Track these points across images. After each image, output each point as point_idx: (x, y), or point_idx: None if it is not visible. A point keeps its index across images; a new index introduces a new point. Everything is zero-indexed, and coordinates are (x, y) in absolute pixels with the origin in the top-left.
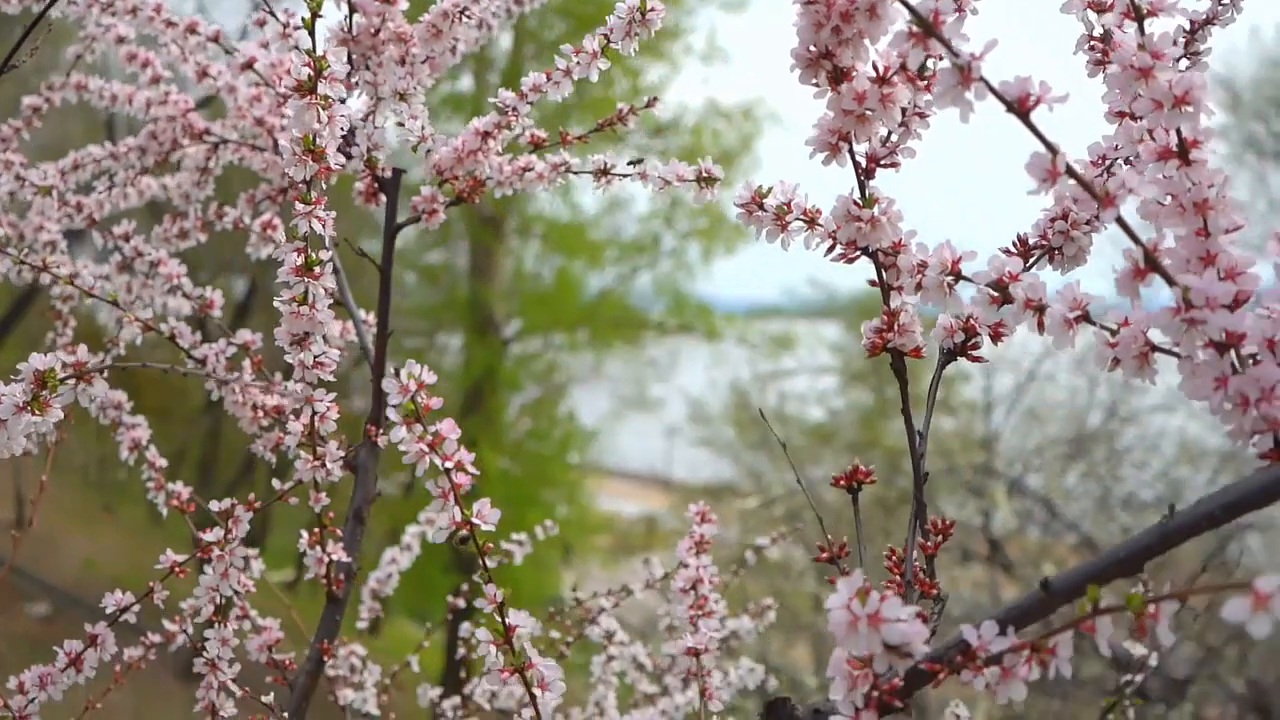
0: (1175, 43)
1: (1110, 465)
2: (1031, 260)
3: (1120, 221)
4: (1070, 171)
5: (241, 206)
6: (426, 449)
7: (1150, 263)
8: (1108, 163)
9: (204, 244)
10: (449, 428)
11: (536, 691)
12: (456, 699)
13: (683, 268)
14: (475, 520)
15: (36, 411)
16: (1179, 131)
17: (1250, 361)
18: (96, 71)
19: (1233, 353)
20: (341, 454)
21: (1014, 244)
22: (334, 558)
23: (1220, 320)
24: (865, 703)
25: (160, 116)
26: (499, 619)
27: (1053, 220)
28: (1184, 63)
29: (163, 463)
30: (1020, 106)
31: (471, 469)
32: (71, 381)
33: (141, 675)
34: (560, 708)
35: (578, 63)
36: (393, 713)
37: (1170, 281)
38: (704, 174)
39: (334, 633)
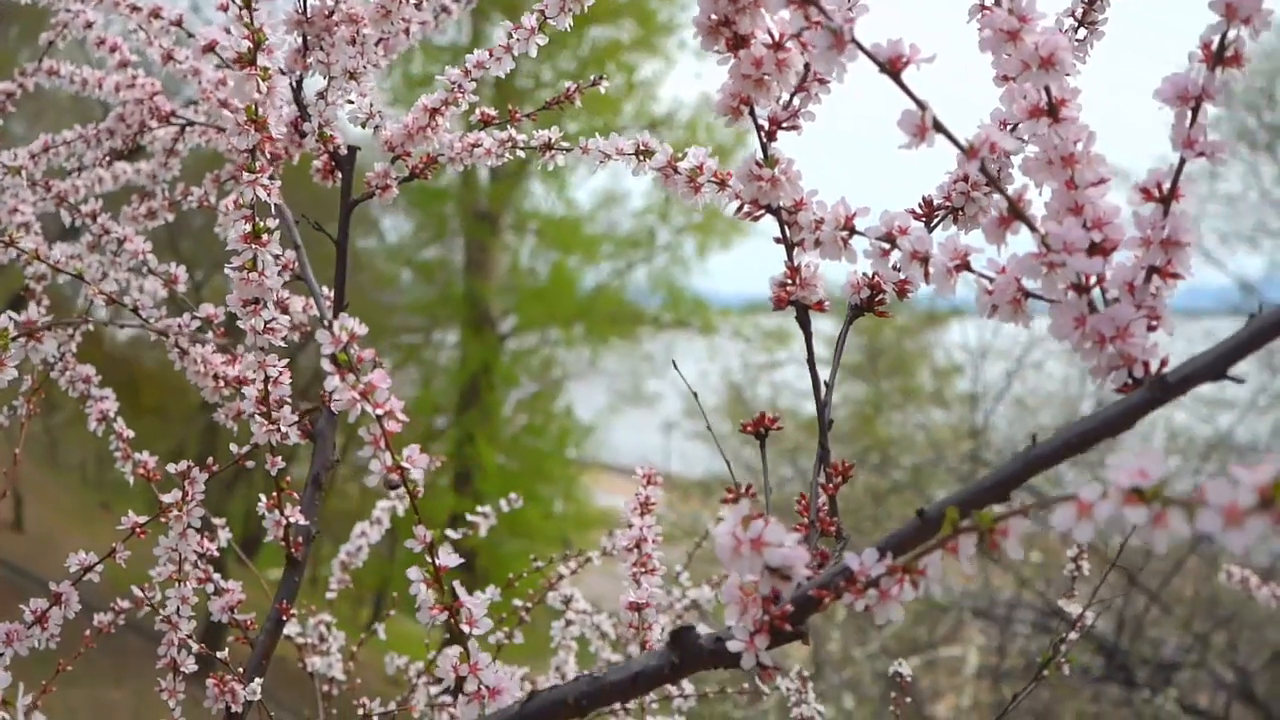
0: (1072, 13)
1: (1098, 453)
2: (936, 220)
3: (987, 175)
4: (938, 126)
5: (207, 185)
6: (359, 397)
7: (1014, 212)
8: (1009, 127)
9: (198, 243)
10: (380, 378)
11: (465, 628)
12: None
13: (678, 262)
14: (405, 465)
15: None
16: (1048, 90)
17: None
18: (84, 61)
19: (1098, 294)
20: (295, 418)
21: (919, 204)
22: (292, 521)
23: (1078, 264)
24: (757, 627)
25: (128, 100)
26: (429, 559)
27: (955, 182)
28: (1082, 31)
29: (130, 434)
30: (892, 67)
31: (401, 416)
32: (22, 340)
33: (141, 674)
34: (526, 676)
35: (518, 39)
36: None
37: (1033, 228)
38: (641, 147)
39: (293, 594)
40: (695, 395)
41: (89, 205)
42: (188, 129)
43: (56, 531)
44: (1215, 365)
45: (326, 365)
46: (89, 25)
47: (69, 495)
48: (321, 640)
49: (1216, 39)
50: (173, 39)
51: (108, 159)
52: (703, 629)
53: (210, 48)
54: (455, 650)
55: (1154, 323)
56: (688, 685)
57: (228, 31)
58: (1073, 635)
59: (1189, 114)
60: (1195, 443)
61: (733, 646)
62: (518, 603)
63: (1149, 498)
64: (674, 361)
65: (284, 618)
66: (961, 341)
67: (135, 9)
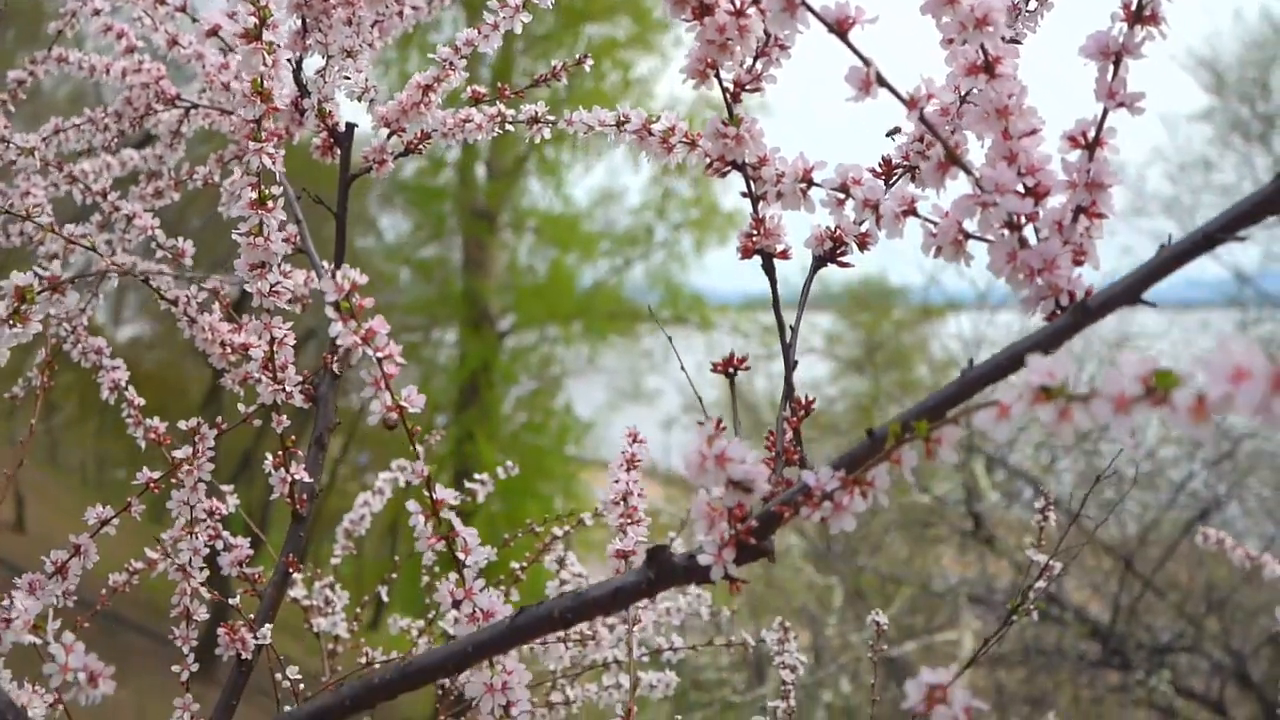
0: None
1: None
2: (895, 177)
3: (925, 123)
4: (880, 80)
5: (211, 165)
6: (360, 341)
7: (951, 158)
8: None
9: (198, 243)
10: (379, 324)
11: (460, 555)
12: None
13: (676, 259)
14: (404, 404)
15: (17, 322)
16: (984, 49)
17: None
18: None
19: (1031, 232)
20: (299, 379)
21: (879, 163)
22: (296, 478)
23: (1009, 203)
24: (725, 542)
25: (135, 84)
26: (427, 493)
27: (913, 141)
28: (1033, 3)
29: (141, 401)
30: (840, 27)
31: (400, 359)
32: (47, 293)
33: (145, 673)
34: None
35: (504, 17)
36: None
37: (968, 172)
38: (621, 119)
39: (299, 548)
40: (696, 392)
41: (99, 184)
42: (192, 112)
43: (57, 532)
44: (1129, 291)
45: (330, 313)
46: (96, 12)
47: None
48: (327, 603)
49: (1135, 0)
50: (176, 24)
51: (115, 144)
52: (677, 547)
53: (214, 32)
54: (454, 577)
55: (1080, 258)
56: (677, 639)
57: (230, 16)
58: (1040, 584)
59: (1110, 68)
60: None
61: (702, 560)
62: (515, 564)
63: (1054, 395)
64: (676, 353)
65: (290, 570)
66: (957, 332)
67: None
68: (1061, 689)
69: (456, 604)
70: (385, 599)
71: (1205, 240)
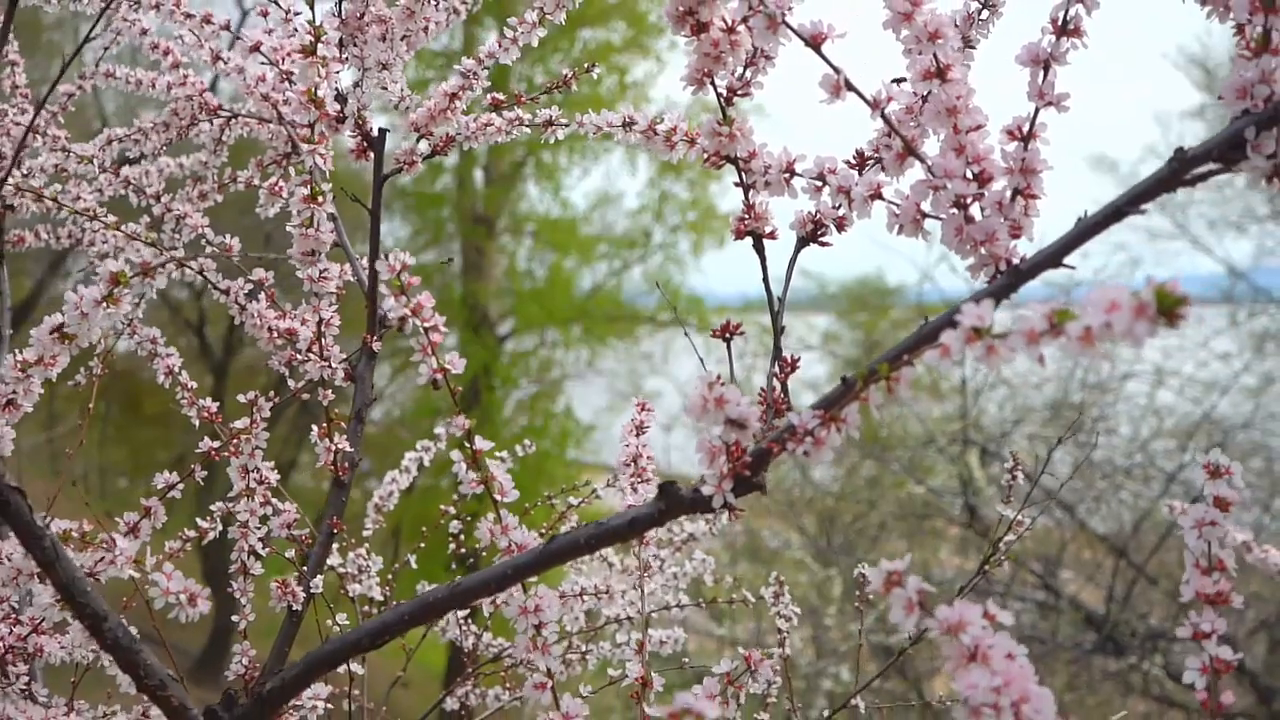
0: None
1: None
2: (867, 167)
3: (886, 120)
4: (848, 85)
5: (251, 169)
6: (410, 313)
7: (908, 149)
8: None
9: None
10: (427, 299)
11: (497, 496)
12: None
13: (674, 261)
14: (448, 366)
15: (111, 304)
16: (936, 57)
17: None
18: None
19: (977, 210)
20: (343, 357)
21: (853, 156)
22: (340, 448)
23: (956, 186)
24: (724, 474)
25: (180, 96)
26: (468, 444)
27: (880, 137)
28: (985, 12)
29: (193, 385)
30: (814, 41)
31: (443, 329)
32: (139, 278)
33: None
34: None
35: (521, 32)
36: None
37: (922, 161)
38: (627, 120)
39: (341, 510)
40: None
41: (153, 188)
42: (233, 121)
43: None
44: (1053, 257)
45: (384, 289)
46: (144, 32)
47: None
48: (360, 571)
49: (1061, 15)
50: (220, 42)
51: (162, 152)
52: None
53: (257, 48)
54: (491, 516)
55: (1017, 232)
56: (684, 596)
57: (268, 33)
58: (1010, 537)
59: (1041, 72)
60: (1183, 422)
61: (705, 490)
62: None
63: (983, 334)
64: (697, 347)
65: (334, 530)
66: None
67: (189, 16)
68: (1057, 676)
69: (494, 539)
70: (414, 566)
71: (1115, 213)
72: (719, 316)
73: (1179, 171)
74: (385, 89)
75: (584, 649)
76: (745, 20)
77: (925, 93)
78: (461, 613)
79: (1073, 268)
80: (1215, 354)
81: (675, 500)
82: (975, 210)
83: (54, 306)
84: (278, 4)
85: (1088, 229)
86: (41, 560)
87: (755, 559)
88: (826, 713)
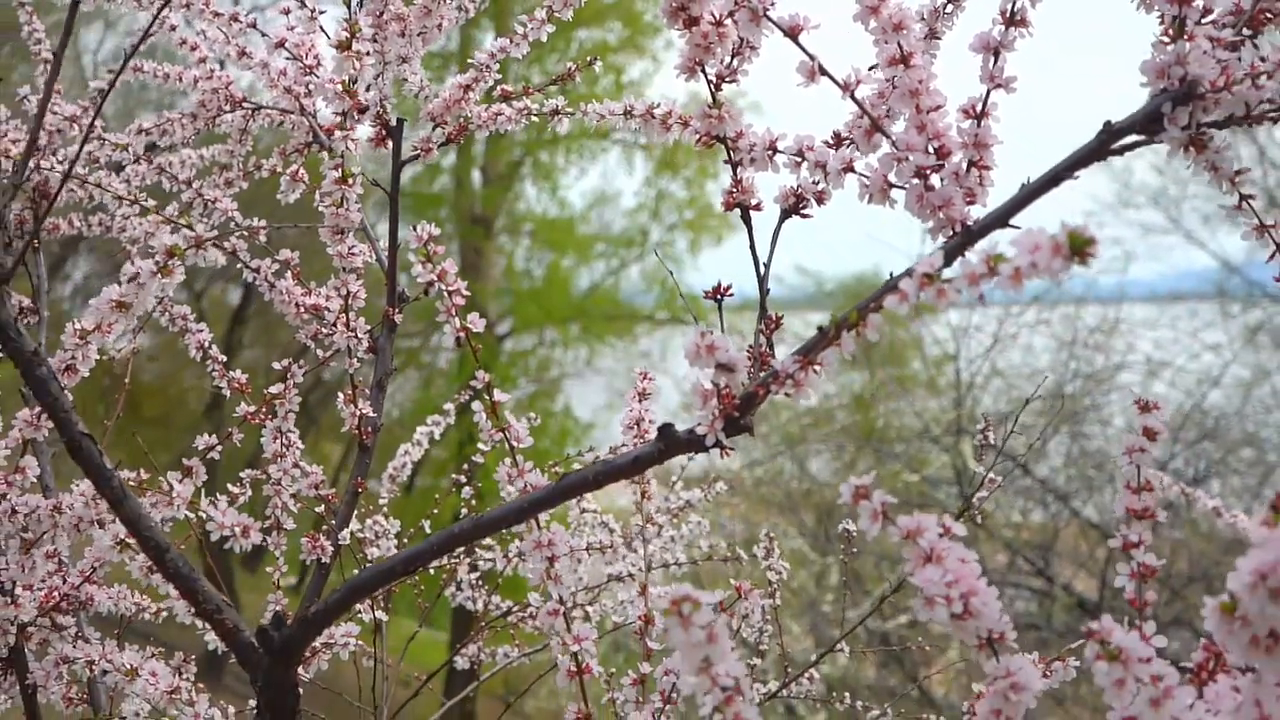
0: None
1: (1076, 423)
2: (843, 146)
3: (855, 101)
4: (822, 70)
5: (275, 157)
6: (436, 279)
7: (875, 126)
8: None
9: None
10: (450, 265)
11: (514, 442)
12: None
13: (672, 259)
14: (470, 326)
15: (165, 275)
16: (900, 45)
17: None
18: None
19: (937, 180)
20: (367, 328)
21: (832, 135)
22: (364, 413)
23: (917, 159)
24: (716, 416)
25: (206, 90)
26: (488, 396)
27: (855, 118)
28: (950, 6)
29: (223, 358)
30: (792, 32)
31: (465, 292)
32: (192, 249)
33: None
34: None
35: (531, 28)
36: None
37: (888, 137)
38: (627, 109)
39: (365, 472)
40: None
41: (184, 175)
42: (257, 112)
43: None
44: (1001, 218)
45: (413, 258)
46: (174, 28)
47: None
48: (378, 536)
49: (1009, 7)
50: (246, 38)
51: (191, 141)
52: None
53: (281, 44)
54: (508, 460)
55: (971, 198)
56: (681, 554)
57: (290, 29)
58: (983, 492)
59: (992, 58)
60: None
61: (699, 430)
62: None
63: (933, 280)
64: (724, 323)
65: (358, 489)
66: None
67: (217, 14)
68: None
69: (510, 482)
70: (429, 532)
71: (1054, 178)
72: (717, 314)
73: (1106, 142)
74: (405, 80)
75: (588, 604)
76: (732, 14)
77: (892, 77)
78: (473, 575)
79: (1017, 227)
80: (1206, 345)
81: (673, 440)
82: (935, 180)
83: (54, 307)
84: (303, 2)
85: (1030, 193)
86: (111, 498)
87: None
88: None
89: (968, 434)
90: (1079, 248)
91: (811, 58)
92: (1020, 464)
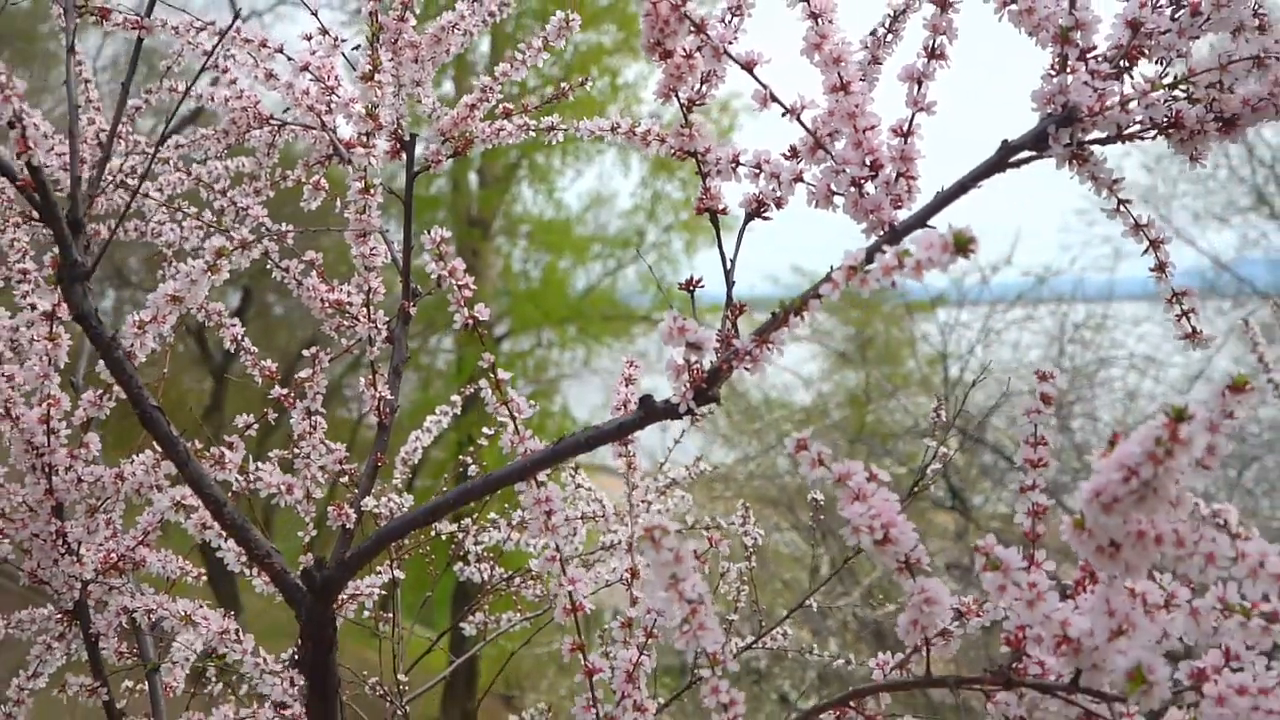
0: (883, 24)
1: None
2: (798, 158)
3: (800, 123)
4: (773, 98)
5: (299, 169)
6: (447, 275)
7: (817, 143)
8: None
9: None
10: (459, 263)
11: (516, 414)
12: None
13: (667, 260)
14: (477, 314)
15: (213, 273)
16: (839, 75)
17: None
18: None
19: (871, 188)
20: (386, 318)
21: (789, 148)
22: (383, 395)
23: (853, 170)
24: (687, 388)
25: (236, 108)
26: (493, 375)
27: (805, 137)
28: (890, 36)
29: (255, 349)
30: (748, 66)
31: (472, 286)
32: (239, 250)
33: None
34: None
35: (530, 54)
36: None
37: (827, 152)
38: (614, 126)
39: (384, 448)
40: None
41: (220, 185)
42: (282, 128)
43: None
44: (920, 220)
45: (427, 255)
46: (207, 54)
47: None
48: (392, 514)
49: (930, 43)
50: (273, 62)
51: (224, 154)
52: (658, 396)
53: (305, 67)
54: (511, 429)
55: (898, 204)
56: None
57: (312, 52)
58: (935, 466)
59: (915, 86)
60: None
61: (674, 399)
62: None
63: (858, 269)
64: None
65: (378, 464)
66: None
67: (247, 41)
68: None
69: (514, 445)
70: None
71: (960, 188)
72: (713, 314)
73: (1004, 156)
74: (420, 102)
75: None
76: (699, 49)
77: (833, 102)
78: (478, 546)
79: (934, 228)
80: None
81: (651, 408)
82: (869, 188)
83: None
84: (327, 33)
85: (942, 200)
86: (178, 461)
87: (761, 558)
88: (817, 690)
89: (956, 429)
90: (962, 245)
91: (764, 87)
92: (1007, 457)
